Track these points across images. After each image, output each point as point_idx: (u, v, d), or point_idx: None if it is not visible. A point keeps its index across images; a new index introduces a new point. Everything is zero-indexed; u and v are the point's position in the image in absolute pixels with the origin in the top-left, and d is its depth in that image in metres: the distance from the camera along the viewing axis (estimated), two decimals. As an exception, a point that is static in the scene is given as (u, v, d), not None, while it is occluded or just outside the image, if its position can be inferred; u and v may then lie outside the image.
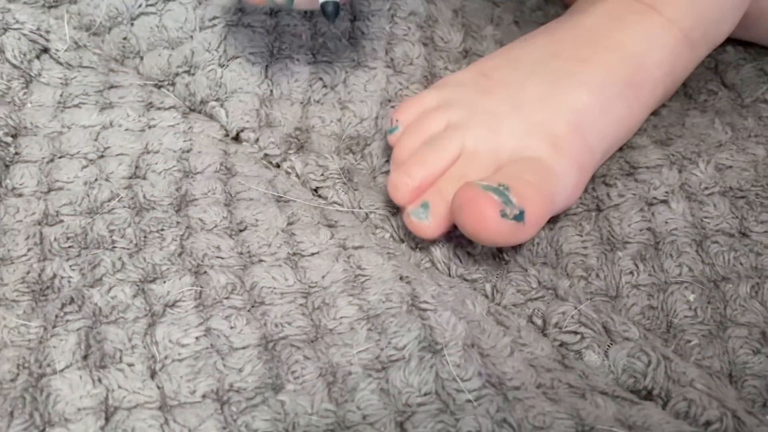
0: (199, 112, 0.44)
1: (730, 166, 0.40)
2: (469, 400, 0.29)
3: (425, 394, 0.29)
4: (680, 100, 0.46)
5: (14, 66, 0.42)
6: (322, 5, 0.36)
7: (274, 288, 0.33)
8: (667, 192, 0.38)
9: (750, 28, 0.46)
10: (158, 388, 0.29)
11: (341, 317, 0.32)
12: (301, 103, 0.44)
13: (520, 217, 0.33)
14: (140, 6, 0.47)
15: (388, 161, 0.41)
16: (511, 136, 0.37)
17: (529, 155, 0.36)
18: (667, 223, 0.37)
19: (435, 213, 0.35)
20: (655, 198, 0.38)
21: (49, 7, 0.48)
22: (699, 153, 0.41)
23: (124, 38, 0.47)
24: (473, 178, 0.35)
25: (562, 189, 0.36)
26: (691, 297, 0.35)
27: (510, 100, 0.38)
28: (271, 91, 0.44)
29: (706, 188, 0.39)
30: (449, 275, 0.37)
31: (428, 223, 0.35)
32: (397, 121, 0.40)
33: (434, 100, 0.39)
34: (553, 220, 0.38)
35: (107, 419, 0.28)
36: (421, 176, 0.36)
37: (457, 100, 0.38)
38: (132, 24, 0.47)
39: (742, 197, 0.38)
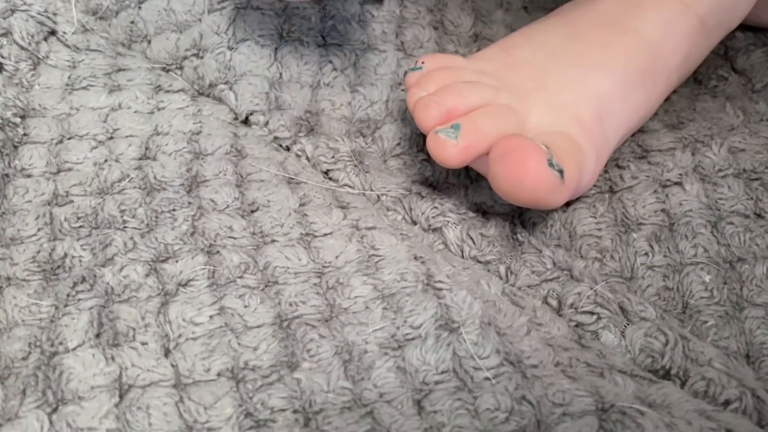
0: (208, 96, 0.43)
1: (743, 149, 0.40)
2: (487, 378, 0.29)
3: (442, 372, 0.29)
4: (690, 85, 0.46)
5: (22, 48, 0.42)
6: None
7: (288, 267, 0.33)
8: (680, 174, 0.38)
9: (761, 13, 0.46)
10: (172, 366, 0.29)
11: (356, 296, 0.32)
12: (311, 86, 0.43)
13: (562, 174, 0.32)
14: (148, -11, 0.46)
15: (399, 144, 0.41)
16: (540, 109, 0.36)
17: (558, 130, 0.35)
18: (681, 204, 0.37)
19: (466, 135, 0.33)
20: (668, 180, 0.38)
21: (56, -9, 0.47)
22: (712, 136, 0.40)
23: (132, 22, 0.46)
24: (508, 124, 0.34)
25: (587, 168, 0.36)
26: (707, 278, 0.35)
27: (535, 78, 0.37)
28: (281, 74, 0.43)
29: (720, 170, 0.38)
30: (462, 257, 0.36)
31: (456, 143, 0.33)
32: (423, 63, 0.38)
33: (464, 63, 0.38)
34: (566, 203, 0.38)
35: (121, 397, 0.28)
36: (453, 103, 0.34)
37: (486, 69, 0.37)
38: (139, 7, 0.47)
39: (757, 179, 0.38)
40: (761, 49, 0.47)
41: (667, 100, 0.44)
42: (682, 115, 0.43)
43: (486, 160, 0.34)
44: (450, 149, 0.33)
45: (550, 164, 0.32)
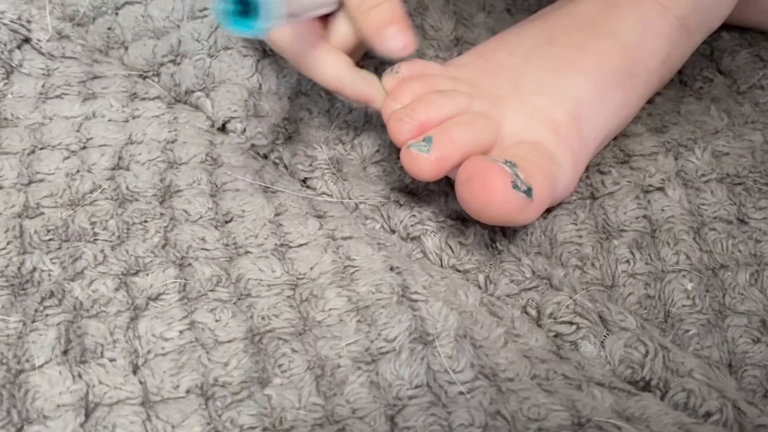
0: (185, 103, 0.43)
1: (727, 153, 0.39)
2: (461, 393, 0.28)
3: (416, 387, 0.28)
4: (675, 87, 0.45)
5: (-6, 56, 0.41)
6: None
7: (261, 280, 0.32)
8: (663, 179, 0.38)
9: (746, 13, 0.45)
10: (140, 383, 0.28)
11: (330, 309, 0.31)
12: (290, 98, 0.43)
13: (529, 192, 0.32)
14: (124, -5, 0.46)
15: (378, 151, 0.41)
16: (514, 116, 0.36)
17: (531, 139, 0.35)
18: (663, 210, 0.36)
19: (438, 148, 0.33)
20: (650, 185, 0.38)
21: (31, -3, 0.47)
22: (695, 140, 0.40)
23: (109, 28, 0.46)
24: (482, 132, 0.34)
25: (562, 176, 0.35)
26: (689, 285, 0.34)
27: (510, 83, 0.36)
28: (260, 85, 0.42)
29: (703, 175, 0.38)
30: (441, 266, 0.36)
31: (428, 156, 0.33)
32: (399, 68, 0.37)
33: (439, 70, 0.37)
34: (546, 209, 0.37)
35: (87, 416, 0.27)
36: (427, 115, 0.34)
37: (461, 76, 0.37)
38: (116, 14, 0.46)
39: (740, 184, 0.37)
40: (747, 50, 0.46)
41: (651, 102, 0.43)
42: (665, 119, 0.42)
43: None
44: (422, 163, 0.33)
45: (515, 186, 0.31)
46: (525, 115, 0.35)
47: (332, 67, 0.36)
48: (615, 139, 0.41)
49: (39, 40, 0.43)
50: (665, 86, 0.45)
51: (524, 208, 0.32)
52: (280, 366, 0.29)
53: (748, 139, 0.40)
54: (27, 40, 0.43)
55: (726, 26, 0.46)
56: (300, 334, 0.30)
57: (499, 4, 0.50)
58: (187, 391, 0.28)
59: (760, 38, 0.47)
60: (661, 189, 0.37)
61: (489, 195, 0.31)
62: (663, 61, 0.39)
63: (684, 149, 0.39)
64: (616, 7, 0.38)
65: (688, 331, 0.33)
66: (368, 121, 0.42)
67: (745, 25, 0.47)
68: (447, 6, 0.48)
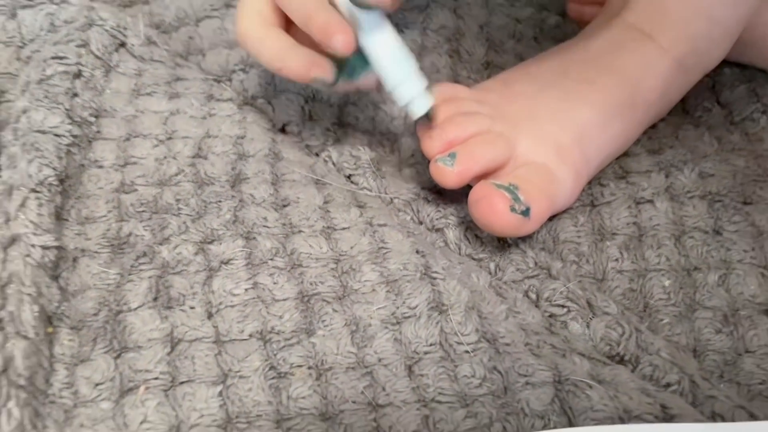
0: (252, 106, 0.50)
1: (713, 174, 0.45)
2: (466, 351, 0.35)
3: (431, 345, 0.35)
4: (678, 115, 0.52)
5: (97, 57, 0.49)
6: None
7: (311, 254, 0.40)
8: (653, 193, 0.44)
9: (744, 53, 0.51)
10: (214, 327, 0.36)
11: (365, 280, 0.38)
12: (339, 106, 0.50)
13: (526, 212, 0.39)
14: (205, 9, 0.54)
15: (413, 156, 0.48)
16: (527, 138, 0.42)
17: (537, 160, 0.42)
18: (651, 219, 0.43)
19: (461, 162, 0.40)
20: (642, 197, 0.44)
21: (125, 7, 0.55)
22: (686, 162, 0.46)
23: (190, 37, 0.54)
24: (499, 150, 0.41)
25: (562, 192, 0.42)
26: (667, 283, 0.41)
27: (526, 109, 0.43)
28: (314, 95, 0.50)
29: (689, 192, 0.44)
30: (459, 254, 0.43)
31: (452, 169, 0.40)
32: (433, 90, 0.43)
33: (468, 94, 0.44)
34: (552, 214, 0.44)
35: (172, 348, 0.35)
36: (454, 134, 0.41)
37: (486, 100, 0.44)
38: (197, 25, 0.54)
39: (719, 201, 0.44)
40: (745, 85, 0.52)
41: (653, 127, 0.50)
42: (663, 142, 0.49)
43: None
44: (447, 175, 0.40)
45: (513, 209, 0.39)
46: (536, 137, 0.42)
47: (276, 41, 0.40)
48: (616, 159, 0.47)
49: (133, 45, 0.51)
50: (669, 114, 0.51)
51: (521, 226, 0.39)
52: (323, 321, 0.36)
53: (733, 163, 0.46)
54: (123, 44, 0.51)
55: (728, 63, 0.52)
56: (340, 299, 0.38)
57: (528, 32, 0.56)
58: (250, 335, 0.36)
59: (759, 75, 0.53)
60: (650, 201, 0.44)
61: (492, 216, 0.39)
62: (660, 96, 0.46)
63: (674, 169, 0.46)
64: (623, 47, 0.45)
65: (662, 320, 0.40)
66: (407, 129, 0.49)
67: (744, 63, 0.53)
68: (481, 33, 0.55)
